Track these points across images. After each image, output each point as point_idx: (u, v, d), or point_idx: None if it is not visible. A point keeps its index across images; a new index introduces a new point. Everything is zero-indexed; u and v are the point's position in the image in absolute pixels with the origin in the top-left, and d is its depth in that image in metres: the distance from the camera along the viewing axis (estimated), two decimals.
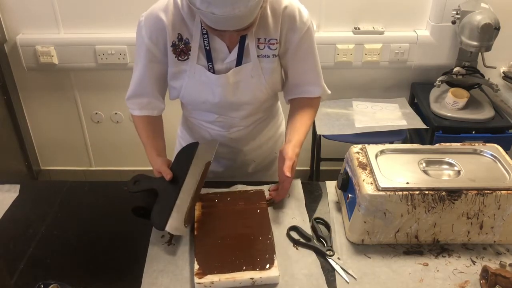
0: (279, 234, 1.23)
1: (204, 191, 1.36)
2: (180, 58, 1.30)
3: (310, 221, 1.28)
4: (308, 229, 1.25)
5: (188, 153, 1.35)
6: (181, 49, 1.29)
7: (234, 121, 1.44)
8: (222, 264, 1.11)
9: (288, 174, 1.25)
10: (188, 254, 1.18)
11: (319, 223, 1.27)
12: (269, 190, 1.37)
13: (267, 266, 1.10)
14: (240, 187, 1.39)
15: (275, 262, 1.10)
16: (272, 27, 1.27)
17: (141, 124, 1.41)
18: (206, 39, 1.26)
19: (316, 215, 1.32)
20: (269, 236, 1.18)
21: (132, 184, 1.30)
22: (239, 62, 1.29)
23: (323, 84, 1.41)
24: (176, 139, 1.64)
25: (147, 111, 1.40)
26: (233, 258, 1.12)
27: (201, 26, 1.25)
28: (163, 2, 1.27)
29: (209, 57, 1.29)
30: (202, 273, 1.08)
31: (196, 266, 1.10)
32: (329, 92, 1.44)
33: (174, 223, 1.19)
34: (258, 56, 1.29)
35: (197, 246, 1.16)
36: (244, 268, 1.09)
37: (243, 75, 1.31)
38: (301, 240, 1.21)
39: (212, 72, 1.30)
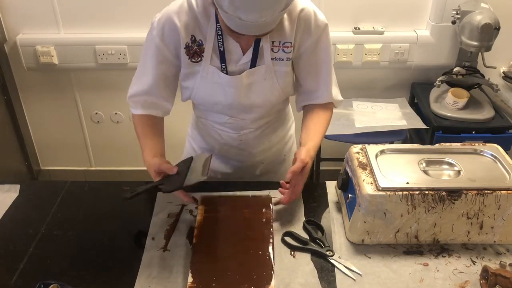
0: (276, 242, 1.22)
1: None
2: (193, 60, 1.30)
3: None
4: (304, 233, 1.24)
5: (182, 167, 1.30)
6: (194, 51, 1.28)
7: (244, 123, 1.43)
8: (217, 278, 1.09)
9: (289, 175, 1.22)
10: (184, 260, 1.17)
11: (311, 225, 1.27)
12: (279, 189, 1.33)
13: (264, 284, 1.08)
14: (239, 193, 1.37)
15: (272, 281, 1.08)
16: (287, 31, 1.26)
17: (140, 124, 1.37)
18: (221, 40, 1.26)
19: (316, 215, 1.32)
20: (269, 251, 1.16)
21: (129, 192, 1.21)
22: (253, 64, 1.29)
23: (334, 90, 1.40)
24: (186, 139, 1.65)
25: (150, 111, 1.37)
26: (229, 273, 1.10)
27: (216, 27, 1.24)
28: (176, 3, 1.26)
29: (222, 58, 1.28)
30: (196, 287, 1.07)
31: (190, 279, 1.08)
32: (341, 99, 1.44)
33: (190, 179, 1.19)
34: (272, 58, 1.29)
35: (194, 257, 1.15)
36: (239, 285, 1.08)
37: (257, 77, 1.31)
38: (298, 245, 1.20)
39: (225, 74, 1.30)
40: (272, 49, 1.28)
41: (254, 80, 1.31)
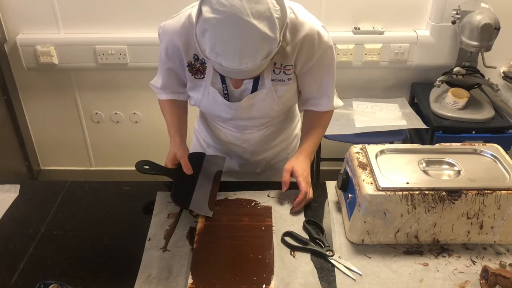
0: (276, 242, 1.22)
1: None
2: (196, 76, 1.31)
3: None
4: (304, 233, 1.24)
5: (195, 160, 1.40)
6: (197, 68, 1.30)
7: (247, 127, 1.46)
8: (217, 280, 1.09)
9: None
10: (183, 261, 1.17)
11: (311, 225, 1.26)
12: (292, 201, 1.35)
13: (263, 286, 1.08)
14: (241, 194, 1.38)
15: (272, 283, 1.08)
16: (289, 54, 1.25)
17: (167, 106, 1.44)
18: None
19: (316, 215, 1.32)
20: (269, 255, 1.16)
21: (141, 166, 1.34)
22: (254, 86, 1.30)
23: (334, 100, 1.42)
24: (193, 133, 1.66)
25: (173, 96, 1.43)
26: (229, 275, 1.11)
27: None
28: (179, 22, 1.25)
29: (223, 79, 1.29)
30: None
31: (190, 280, 1.08)
32: (341, 104, 1.46)
33: (198, 202, 1.27)
34: (273, 80, 1.29)
35: (194, 259, 1.15)
36: (239, 286, 1.08)
37: (257, 99, 1.32)
38: (298, 245, 1.20)
39: (226, 97, 1.31)
40: (273, 71, 1.28)
41: (254, 102, 1.33)
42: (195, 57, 1.28)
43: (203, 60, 1.28)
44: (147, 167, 1.36)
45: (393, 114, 2.41)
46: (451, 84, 2.34)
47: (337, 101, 1.44)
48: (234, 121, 1.41)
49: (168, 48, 1.29)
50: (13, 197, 1.39)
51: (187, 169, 1.34)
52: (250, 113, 1.36)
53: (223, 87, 1.30)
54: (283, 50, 1.23)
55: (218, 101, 1.32)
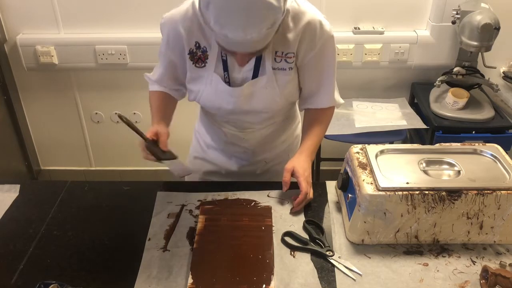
0: (276, 242, 1.22)
1: (209, 195, 1.37)
2: (197, 65, 1.31)
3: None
4: (304, 233, 1.24)
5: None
6: (198, 57, 1.30)
7: (248, 124, 1.45)
8: (217, 280, 1.09)
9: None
10: (183, 261, 1.17)
11: (311, 225, 1.26)
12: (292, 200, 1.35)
13: (263, 286, 1.08)
14: (241, 194, 1.37)
15: (272, 283, 1.08)
16: (291, 42, 1.26)
17: (156, 95, 1.43)
18: None
19: (316, 215, 1.32)
20: (269, 255, 1.15)
21: (120, 115, 1.28)
22: (255, 73, 1.30)
23: (335, 96, 1.42)
24: (193, 134, 1.66)
25: (165, 90, 1.43)
26: (229, 275, 1.10)
27: None
28: (182, 9, 1.26)
29: (225, 67, 1.29)
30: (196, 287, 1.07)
31: (190, 280, 1.08)
32: (342, 101, 1.46)
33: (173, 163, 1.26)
34: (274, 68, 1.29)
35: (194, 259, 1.15)
36: (239, 286, 1.08)
37: (258, 86, 1.32)
38: (298, 245, 1.20)
39: (228, 83, 1.31)
40: (275, 59, 1.28)
41: (255, 89, 1.32)
42: (197, 44, 1.28)
43: (205, 48, 1.28)
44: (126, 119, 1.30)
45: (393, 114, 2.41)
46: (451, 84, 2.34)
47: (338, 98, 1.44)
48: (235, 116, 1.41)
49: (170, 36, 1.29)
50: (13, 197, 1.39)
51: (164, 145, 1.29)
52: (251, 104, 1.35)
53: (224, 75, 1.30)
54: (285, 38, 1.23)
55: (220, 89, 1.32)
